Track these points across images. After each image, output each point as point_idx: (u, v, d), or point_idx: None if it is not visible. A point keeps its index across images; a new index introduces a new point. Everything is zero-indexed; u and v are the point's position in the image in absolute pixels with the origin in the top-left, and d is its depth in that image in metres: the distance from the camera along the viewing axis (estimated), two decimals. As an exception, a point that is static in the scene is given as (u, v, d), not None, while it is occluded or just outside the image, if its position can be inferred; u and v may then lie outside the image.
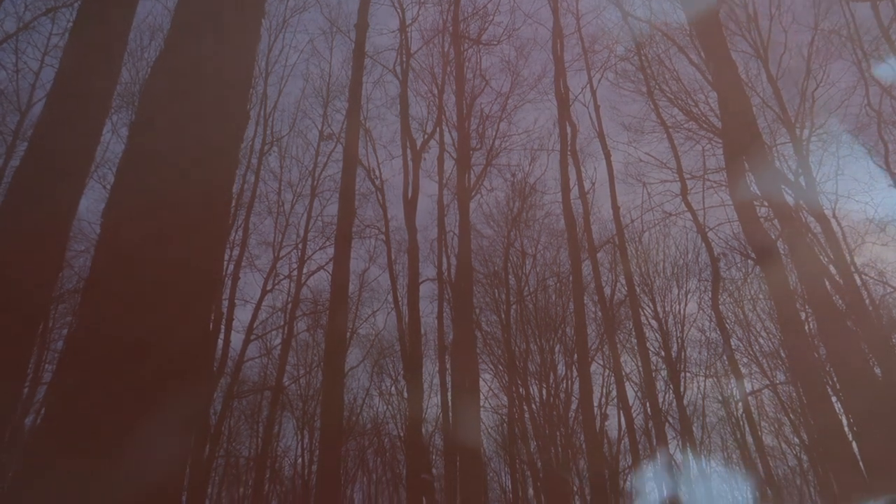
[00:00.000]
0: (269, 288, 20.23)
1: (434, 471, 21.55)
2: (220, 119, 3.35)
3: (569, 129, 17.54)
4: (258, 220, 20.97)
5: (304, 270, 20.81)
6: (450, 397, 17.23)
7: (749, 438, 20.76)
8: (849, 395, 10.10)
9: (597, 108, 19.01)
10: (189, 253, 2.90)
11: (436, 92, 19.67)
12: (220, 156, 3.33)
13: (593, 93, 19.27)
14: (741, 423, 22.74)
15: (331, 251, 18.38)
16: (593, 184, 20.01)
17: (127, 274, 2.80)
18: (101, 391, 2.49)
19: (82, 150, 5.94)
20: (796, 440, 23.99)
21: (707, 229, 17.62)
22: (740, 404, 19.98)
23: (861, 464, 9.28)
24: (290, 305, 20.63)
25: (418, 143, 18.69)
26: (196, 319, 2.91)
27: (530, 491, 24.13)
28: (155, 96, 3.43)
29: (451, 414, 16.82)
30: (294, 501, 24.56)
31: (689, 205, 17.39)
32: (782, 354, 20.88)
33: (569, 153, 17.22)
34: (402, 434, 24.42)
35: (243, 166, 19.02)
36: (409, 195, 17.42)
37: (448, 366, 17.63)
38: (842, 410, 13.24)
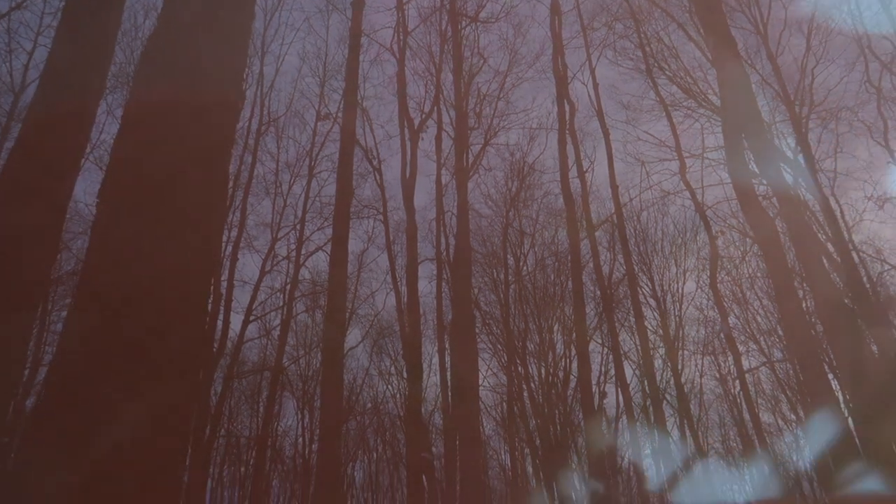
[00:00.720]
0: (267, 269, 20.25)
1: (434, 449, 21.73)
2: (216, 99, 3.32)
3: (567, 108, 17.45)
4: (256, 201, 20.92)
5: (303, 251, 20.82)
6: (449, 377, 17.33)
7: (746, 415, 20.93)
8: (845, 373, 10.15)
9: (595, 86, 18.91)
10: (186, 237, 2.90)
11: (433, 71, 19.54)
12: (216, 135, 3.32)
13: (592, 71, 19.14)
14: (738, 400, 22.93)
15: (329, 232, 18.38)
16: (592, 163, 19.94)
17: (122, 265, 2.80)
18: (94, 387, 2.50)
19: (76, 131, 5.89)
20: (793, 417, 24.21)
21: (705, 207, 17.61)
22: (738, 382, 20.10)
23: (857, 440, 9.36)
24: (288, 286, 20.66)
25: (416, 122, 18.59)
26: (194, 308, 2.91)
27: (529, 468, 24.37)
28: (148, 76, 3.40)
29: (450, 393, 16.93)
30: (295, 481, 24.79)
31: (687, 183, 17.37)
32: (780, 332, 20.98)
33: (567, 132, 17.13)
34: (401, 413, 24.59)
35: (240, 147, 18.94)
36: (407, 175, 17.36)
37: (447, 345, 17.70)
38: (839, 388, 13.35)
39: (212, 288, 17.00)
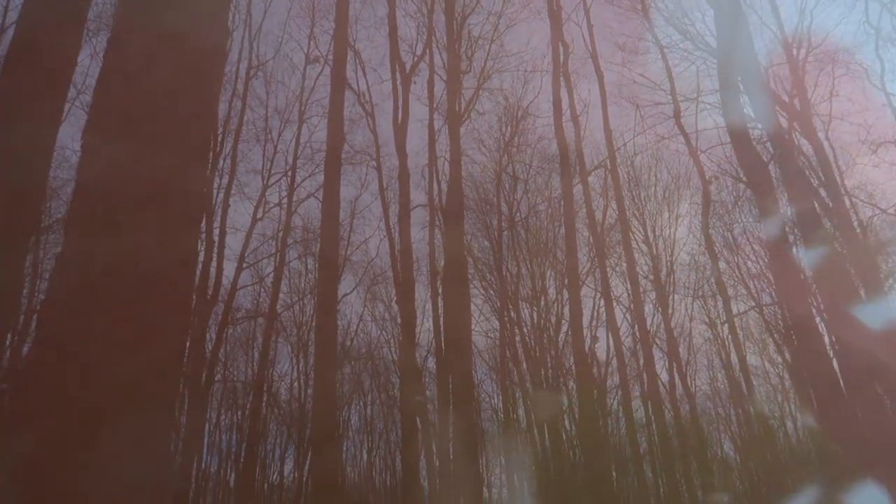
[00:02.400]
0: (259, 216, 20.17)
1: (427, 393, 22.12)
2: (198, 34, 3.23)
3: (561, 50, 17.14)
4: (246, 147, 20.64)
5: (294, 198, 20.69)
6: (442, 322, 17.50)
7: (734, 359, 21.32)
8: (832, 316, 10.31)
9: (590, 26, 18.54)
10: (171, 169, 2.88)
11: (425, 11, 19.05)
12: (200, 70, 3.25)
13: (586, 11, 18.74)
14: (727, 343, 23.31)
15: (320, 178, 18.19)
16: (586, 106, 19.67)
17: (106, 207, 2.77)
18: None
19: (59, 74, 5.74)
20: (779, 360, 24.67)
21: (699, 152, 17.53)
22: (726, 326, 20.39)
23: (841, 382, 9.57)
24: (280, 233, 20.61)
25: (408, 66, 18.25)
26: (183, 240, 2.89)
27: (520, 411, 24.88)
28: (127, 15, 3.30)
29: (443, 338, 17.13)
30: (291, 424, 25.26)
31: (681, 127, 17.23)
32: (769, 277, 21.19)
33: (561, 75, 16.87)
34: (395, 358, 24.94)
35: (229, 92, 18.59)
36: (399, 120, 17.14)
37: (440, 291, 17.82)
38: (825, 330, 13.56)
39: (203, 234, 16.92)
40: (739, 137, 10.80)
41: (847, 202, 16.41)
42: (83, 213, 2.79)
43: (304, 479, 19.28)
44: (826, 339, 12.78)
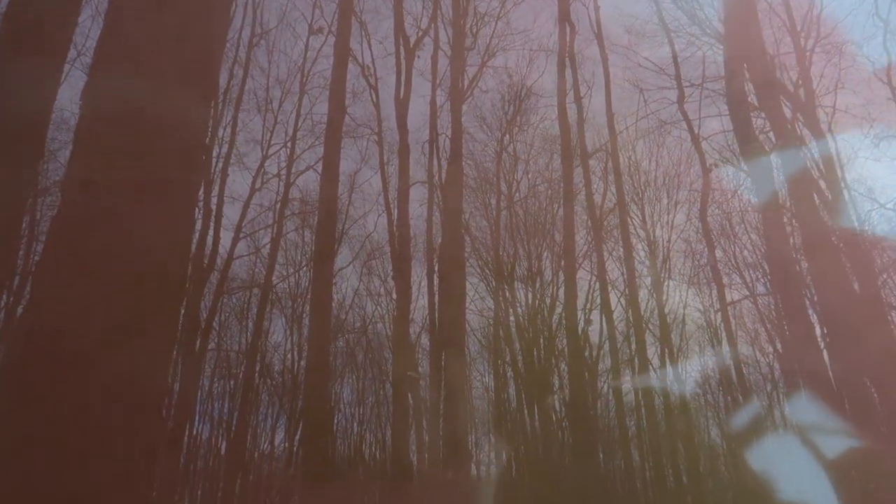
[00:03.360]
0: (257, 187, 20.10)
1: (420, 369, 22.24)
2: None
3: (568, 30, 16.97)
4: (246, 116, 20.49)
5: (293, 170, 20.61)
6: (437, 299, 17.54)
7: (725, 347, 21.44)
8: (825, 308, 10.35)
9: (597, 7, 18.34)
10: (175, 104, 2.91)
11: (432, -15, 18.81)
12: (208, 17, 3.27)
13: (595, -10, 18.52)
14: (719, 331, 23.43)
15: (320, 151, 18.10)
16: (589, 88, 19.53)
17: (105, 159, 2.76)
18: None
19: (59, 35, 5.67)
20: (770, 349, 24.83)
21: (701, 139, 17.46)
22: (720, 314, 20.49)
23: (831, 373, 9.64)
24: (278, 205, 20.57)
25: (412, 40, 18.06)
26: (178, 209, 2.88)
27: (511, 390, 25.06)
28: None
29: (437, 315, 17.18)
30: (284, 395, 25.42)
31: (685, 113, 17.16)
32: (765, 267, 21.25)
33: (566, 55, 16.73)
34: (389, 333, 25.02)
35: (230, 59, 18.42)
36: (401, 95, 17.02)
37: (436, 268, 17.83)
38: (817, 321, 13.63)
39: (201, 203, 16.84)
40: (742, 126, 10.75)
41: (846, 195, 16.40)
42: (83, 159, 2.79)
43: (295, 448, 19.48)
44: (818, 330, 12.86)
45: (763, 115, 12.58)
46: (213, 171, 17.93)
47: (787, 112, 14.71)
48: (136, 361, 2.48)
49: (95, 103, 2.93)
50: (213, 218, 17.42)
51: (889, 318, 15.80)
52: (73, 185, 2.77)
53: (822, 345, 12.03)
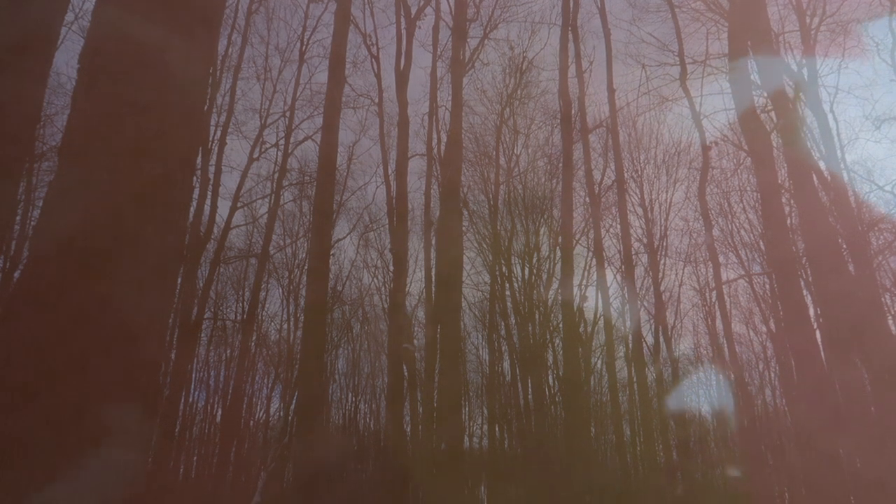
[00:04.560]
0: (255, 156, 20.00)
1: (415, 342, 22.36)
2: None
3: (571, 2, 16.77)
4: (245, 85, 20.33)
5: (292, 140, 20.49)
6: (434, 273, 17.58)
7: (720, 325, 21.59)
8: (819, 287, 10.41)
9: (601, -19, 18.10)
10: (169, 104, 2.86)
11: (435, -47, 18.52)
12: None
13: (600, -36, 18.25)
14: (713, 310, 23.56)
15: (319, 121, 18.02)
16: (591, 62, 19.35)
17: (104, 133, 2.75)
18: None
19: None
20: (764, 329, 25.01)
21: (702, 116, 17.37)
22: (715, 292, 20.57)
23: (822, 351, 9.73)
24: (276, 175, 20.48)
25: (413, 10, 17.85)
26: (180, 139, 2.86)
27: (506, 364, 25.23)
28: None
29: (433, 288, 17.23)
30: (279, 364, 25.56)
31: (686, 90, 17.04)
32: (761, 247, 21.30)
33: (570, 28, 16.55)
34: (386, 306, 25.10)
35: (228, 25, 18.20)
36: (402, 66, 16.86)
37: (433, 242, 17.84)
38: (811, 301, 13.71)
39: (199, 171, 16.75)
40: (743, 104, 10.71)
41: (846, 176, 16.40)
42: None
43: (290, 417, 19.63)
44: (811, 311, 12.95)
45: (765, 93, 12.51)
46: (210, 139, 17.83)
47: (790, 91, 14.62)
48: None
49: (96, 37, 2.89)
50: (210, 187, 17.35)
51: (883, 300, 15.89)
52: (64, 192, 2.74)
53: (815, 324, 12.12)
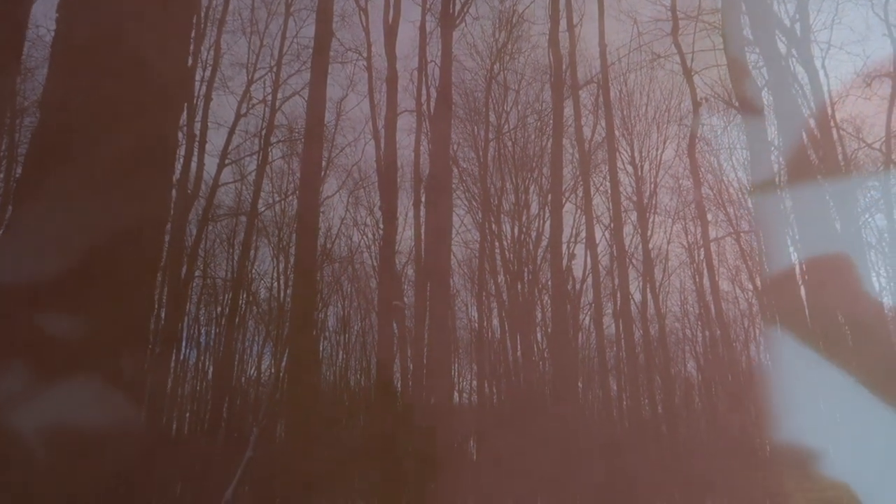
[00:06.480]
0: (243, 112, 19.70)
1: (405, 299, 22.47)
2: None
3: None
4: (231, 38, 19.87)
5: (279, 96, 20.16)
6: (423, 230, 17.57)
7: (706, 282, 21.80)
8: (805, 244, 10.51)
9: (594, -68, 17.70)
10: (148, 46, 2.81)
11: None
12: None
13: (593, -85, 17.84)
14: (701, 267, 23.75)
15: (307, 76, 17.68)
16: (582, 17, 19.04)
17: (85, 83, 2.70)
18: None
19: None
20: (750, 286, 25.29)
21: (694, 73, 17.24)
22: (703, 250, 20.73)
23: (806, 309, 9.87)
24: (264, 131, 20.20)
25: (402, -39, 17.38)
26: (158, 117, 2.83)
27: (495, 322, 25.49)
28: None
29: (423, 245, 17.25)
30: (270, 322, 25.66)
31: (678, 45, 16.89)
32: (749, 205, 21.38)
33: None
34: (375, 263, 25.13)
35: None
36: (390, 20, 16.53)
37: (423, 199, 17.78)
38: (797, 259, 13.84)
39: (184, 128, 16.47)
40: (736, 61, 10.61)
41: (835, 134, 16.39)
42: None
43: (281, 374, 19.80)
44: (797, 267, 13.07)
45: (758, 49, 12.40)
46: (196, 95, 17.51)
47: (782, 47, 14.50)
48: None
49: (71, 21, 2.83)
50: (196, 143, 17.12)
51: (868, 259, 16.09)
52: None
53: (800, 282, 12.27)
